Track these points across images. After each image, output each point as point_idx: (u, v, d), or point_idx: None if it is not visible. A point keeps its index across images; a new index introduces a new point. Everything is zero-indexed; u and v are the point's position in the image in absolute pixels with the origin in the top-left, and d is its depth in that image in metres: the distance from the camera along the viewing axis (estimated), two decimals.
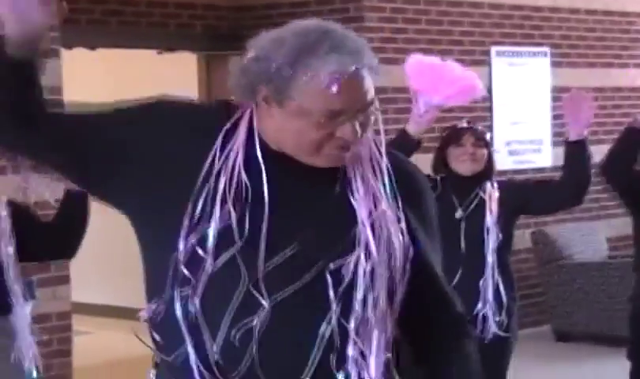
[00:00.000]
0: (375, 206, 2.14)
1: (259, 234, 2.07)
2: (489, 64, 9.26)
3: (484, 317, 5.03)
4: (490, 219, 5.06)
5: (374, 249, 2.09)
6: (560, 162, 8.43)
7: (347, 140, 2.10)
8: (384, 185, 2.18)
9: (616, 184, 5.42)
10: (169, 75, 10.02)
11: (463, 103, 5.39)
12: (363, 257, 2.08)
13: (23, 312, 4.85)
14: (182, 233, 2.03)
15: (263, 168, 2.06)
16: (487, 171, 5.21)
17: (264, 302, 2.00)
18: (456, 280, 4.79)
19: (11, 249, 4.96)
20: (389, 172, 2.20)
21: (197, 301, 1.99)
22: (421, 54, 5.27)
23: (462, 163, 5.14)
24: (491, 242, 5.09)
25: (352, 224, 2.08)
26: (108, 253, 8.34)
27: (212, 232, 2.05)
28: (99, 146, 2.10)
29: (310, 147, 2.10)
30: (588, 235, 9.72)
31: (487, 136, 5.38)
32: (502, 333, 5.04)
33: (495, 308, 5.06)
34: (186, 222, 2.04)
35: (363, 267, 2.07)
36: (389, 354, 2.15)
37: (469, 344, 2.29)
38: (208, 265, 2.02)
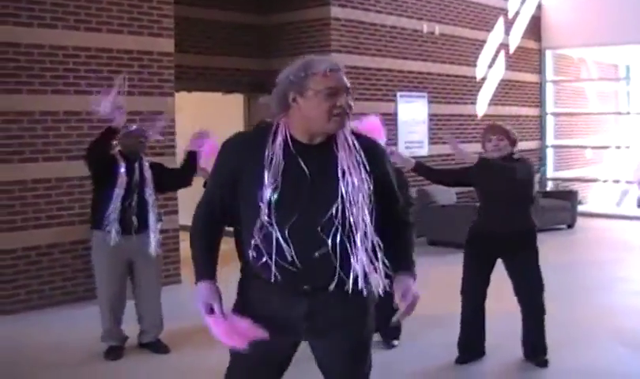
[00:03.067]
0: (350, 171, 3.19)
1: (310, 193, 3.18)
2: (396, 102, 13.54)
3: None
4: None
5: (347, 195, 3.18)
6: (433, 152, 12.99)
7: (343, 106, 3.17)
8: (356, 155, 3.23)
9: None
10: (229, 105, 13.35)
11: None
12: (345, 199, 3.18)
13: (156, 227, 6.92)
14: (263, 196, 3.17)
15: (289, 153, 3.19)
16: None
17: (324, 237, 3.16)
18: None
19: (152, 192, 6.89)
20: (361, 147, 3.27)
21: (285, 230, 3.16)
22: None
23: None
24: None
25: (338, 183, 3.19)
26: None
27: (277, 192, 3.17)
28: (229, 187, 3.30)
29: (325, 115, 3.15)
30: (446, 190, 12.74)
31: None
32: None
33: None
34: (262, 190, 3.16)
35: (347, 205, 3.18)
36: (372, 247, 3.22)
37: (408, 228, 3.46)
38: (281, 212, 3.18)
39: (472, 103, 15.64)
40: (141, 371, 6.70)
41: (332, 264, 3.21)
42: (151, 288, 7.03)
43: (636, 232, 15.08)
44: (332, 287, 3.24)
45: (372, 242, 3.25)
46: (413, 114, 13.82)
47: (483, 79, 15.95)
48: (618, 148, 19.55)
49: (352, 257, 3.23)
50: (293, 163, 3.21)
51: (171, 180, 7.14)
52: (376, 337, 7.12)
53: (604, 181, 18.85)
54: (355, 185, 3.19)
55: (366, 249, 3.23)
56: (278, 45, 13.00)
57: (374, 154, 3.34)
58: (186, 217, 10.34)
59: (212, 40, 12.62)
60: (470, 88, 15.61)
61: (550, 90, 18.16)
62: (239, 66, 12.85)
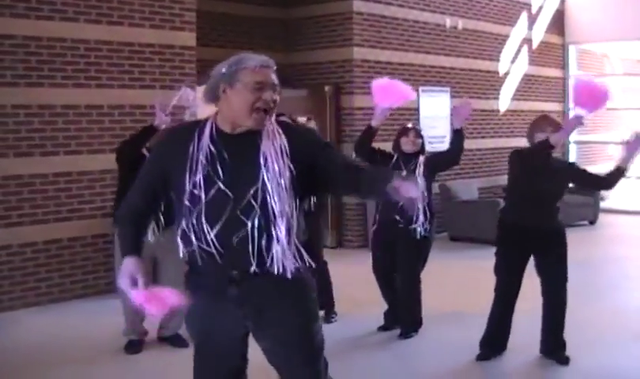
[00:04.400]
0: (272, 157, 3.30)
1: (230, 179, 3.29)
2: (419, 97, 13.20)
3: (416, 226, 6.92)
4: (420, 174, 6.78)
5: (267, 180, 3.27)
6: None
7: (268, 101, 3.30)
8: (281, 143, 3.34)
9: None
10: None
11: (402, 104, 6.91)
12: (266, 184, 3.28)
13: None
14: (186, 184, 3.30)
15: (212, 145, 3.32)
16: (421, 151, 7.22)
17: (244, 219, 3.27)
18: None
19: None
20: (287, 134, 3.38)
21: (197, 217, 3.30)
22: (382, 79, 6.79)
23: (407, 146, 7.12)
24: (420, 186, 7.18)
25: (259, 169, 3.29)
26: None
27: (199, 178, 3.29)
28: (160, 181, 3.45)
29: (248, 107, 3.28)
30: (468, 186, 13.67)
31: (422, 132, 7.38)
32: (425, 234, 7.00)
33: (423, 221, 6.94)
34: (186, 179, 3.31)
35: (267, 190, 3.28)
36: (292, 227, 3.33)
37: (362, 170, 3.44)
38: (202, 197, 3.29)
39: (494, 98, 15.56)
40: (161, 365, 6.70)
41: (252, 248, 3.32)
42: (174, 284, 6.95)
43: None
44: (253, 270, 3.34)
45: (292, 226, 3.36)
46: (435, 109, 13.73)
47: (506, 74, 15.83)
48: None
49: (272, 240, 3.33)
50: (215, 151, 3.36)
51: None
52: (395, 330, 7.33)
53: (627, 177, 18.66)
54: (276, 171, 3.30)
55: (287, 233, 3.33)
56: (300, 39, 13.00)
57: (303, 137, 3.49)
58: None
59: (234, 34, 12.60)
60: (493, 82, 15.51)
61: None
62: None
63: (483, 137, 14.97)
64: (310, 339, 3.52)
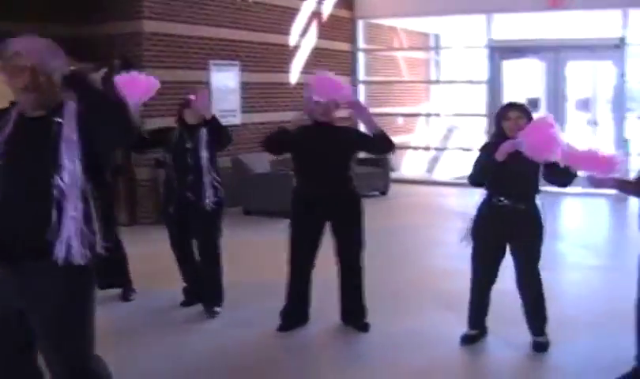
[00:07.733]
0: (67, 141, 3.28)
1: (22, 163, 3.28)
2: (209, 70, 13.37)
3: (207, 200, 6.82)
4: (204, 146, 6.83)
5: (63, 164, 3.22)
6: (245, 121, 12.98)
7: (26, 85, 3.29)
8: (77, 126, 3.31)
9: None
10: None
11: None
12: (58, 169, 3.23)
13: None
14: None
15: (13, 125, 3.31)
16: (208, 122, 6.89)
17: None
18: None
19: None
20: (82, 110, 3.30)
21: None
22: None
23: (190, 118, 6.88)
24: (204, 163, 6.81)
25: (52, 153, 3.26)
26: None
27: None
28: None
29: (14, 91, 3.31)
30: (260, 158, 13.20)
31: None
32: (215, 205, 6.85)
33: (212, 193, 6.85)
34: None
35: (59, 175, 3.22)
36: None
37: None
38: None
39: (284, 71, 15.64)
40: None
41: (38, 234, 3.26)
42: None
43: (447, 197, 15.56)
44: (38, 256, 3.27)
45: (84, 212, 3.32)
46: (226, 83, 13.79)
47: (296, 47, 15.93)
48: (428, 115, 20.12)
49: (60, 227, 3.27)
50: (14, 133, 3.32)
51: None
52: (199, 307, 7.21)
53: (415, 148, 19.34)
54: (68, 156, 3.25)
55: (75, 220, 3.28)
56: (92, 11, 12.57)
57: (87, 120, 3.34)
58: None
59: (24, 6, 11.82)
60: (283, 56, 15.58)
61: (361, 59, 18.34)
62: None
63: (274, 110, 14.96)
64: (65, 322, 3.44)
